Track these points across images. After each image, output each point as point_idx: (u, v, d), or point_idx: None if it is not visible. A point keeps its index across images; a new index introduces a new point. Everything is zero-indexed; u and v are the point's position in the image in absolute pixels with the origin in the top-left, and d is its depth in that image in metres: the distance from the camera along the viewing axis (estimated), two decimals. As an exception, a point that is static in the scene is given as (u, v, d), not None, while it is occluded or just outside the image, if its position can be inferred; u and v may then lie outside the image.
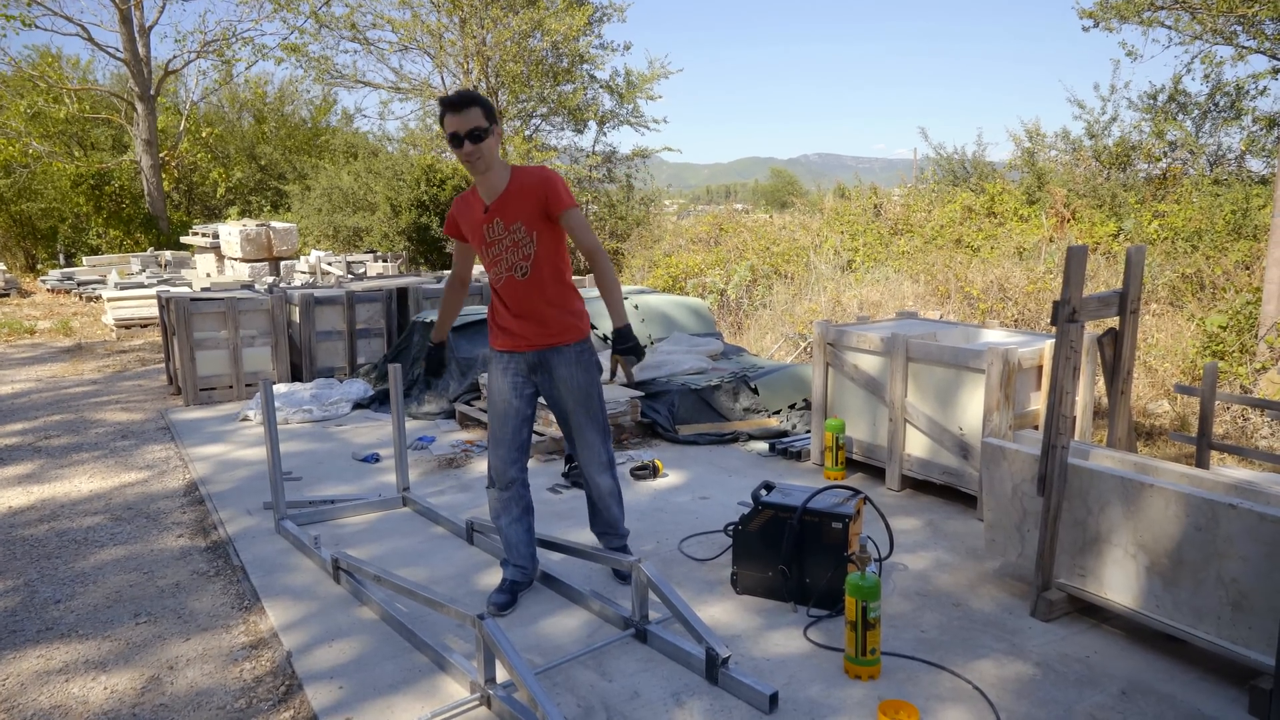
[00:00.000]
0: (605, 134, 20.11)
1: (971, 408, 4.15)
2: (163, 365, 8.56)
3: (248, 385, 6.96)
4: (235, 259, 14.91)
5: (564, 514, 4.28)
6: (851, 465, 4.83)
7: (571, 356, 3.13)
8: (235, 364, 6.91)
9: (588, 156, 18.42)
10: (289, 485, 4.79)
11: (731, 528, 3.88)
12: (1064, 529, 3.10)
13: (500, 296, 3.14)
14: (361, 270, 13.86)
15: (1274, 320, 5.50)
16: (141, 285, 12.87)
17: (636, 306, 7.35)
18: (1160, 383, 6.27)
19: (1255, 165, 12.29)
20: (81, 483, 4.97)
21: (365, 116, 50.24)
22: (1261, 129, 11.24)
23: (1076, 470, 3.03)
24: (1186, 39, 12.33)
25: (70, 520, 4.36)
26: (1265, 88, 11.09)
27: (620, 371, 3.15)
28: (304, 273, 14.31)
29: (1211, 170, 11.12)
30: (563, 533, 4.02)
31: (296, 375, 7.26)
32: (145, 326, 11.39)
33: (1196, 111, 11.69)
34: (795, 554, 3.21)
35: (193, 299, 6.76)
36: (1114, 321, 5.68)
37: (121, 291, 11.81)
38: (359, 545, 3.91)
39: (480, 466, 5.09)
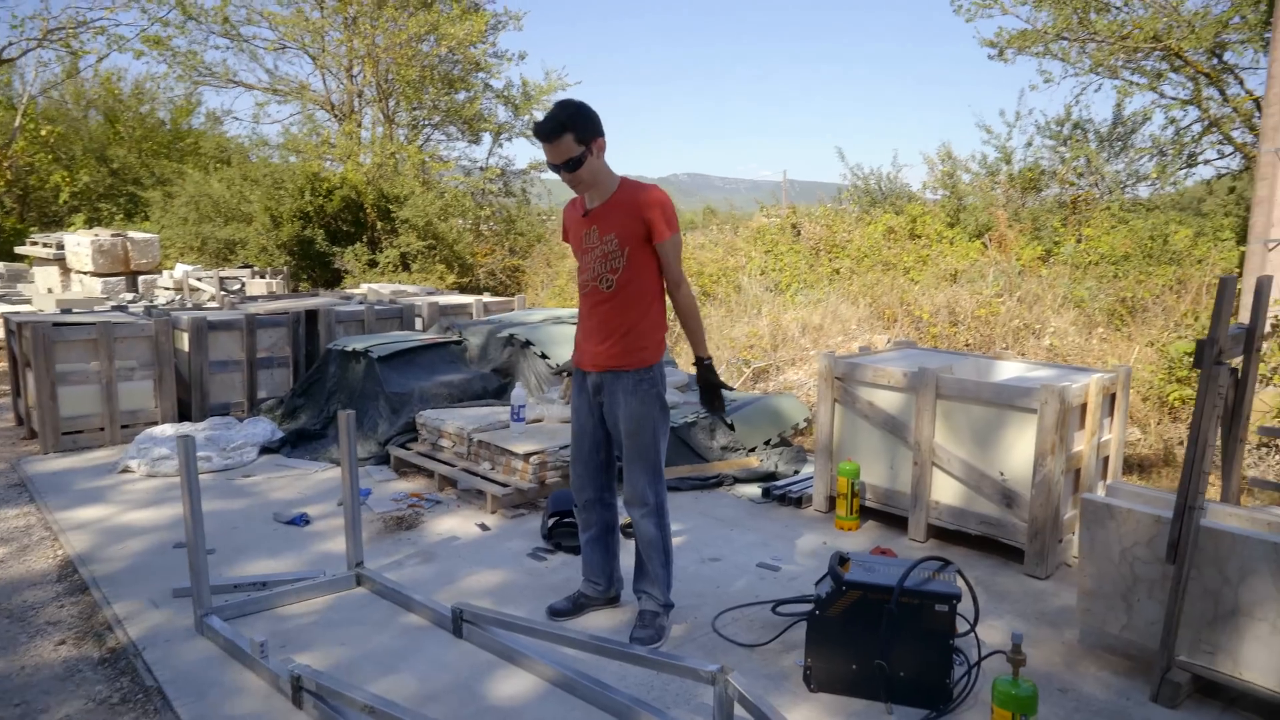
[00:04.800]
0: (501, 145, 19.27)
1: (1016, 450, 3.74)
2: (8, 401, 7.16)
3: (124, 427, 5.81)
4: (85, 273, 13.10)
5: (558, 587, 3.57)
6: (865, 513, 4.34)
7: (629, 384, 3.00)
8: (109, 402, 5.74)
9: (483, 170, 17.54)
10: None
11: (782, 605, 3.32)
12: (1189, 600, 2.69)
13: (582, 306, 3.08)
14: (238, 287, 12.48)
15: (1248, 347, 5.45)
16: (-32, 303, 11.02)
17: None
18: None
19: (1142, 191, 12.96)
20: (-90, 566, 3.83)
21: (237, 119, 46.78)
22: (1167, 156, 11.77)
23: (1212, 534, 2.63)
24: (1081, 70, 12.89)
25: (-102, 624, 3.28)
26: (1174, 118, 11.61)
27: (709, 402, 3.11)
28: (168, 289, 12.75)
29: (1117, 196, 11.54)
30: (566, 613, 3.31)
31: (185, 414, 6.14)
32: (-23, 352, 9.70)
33: (1095, 141, 12.15)
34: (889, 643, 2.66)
35: (55, 323, 5.57)
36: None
37: (-55, 311, 10.03)
38: (312, 646, 3.07)
39: (437, 526, 4.30)
